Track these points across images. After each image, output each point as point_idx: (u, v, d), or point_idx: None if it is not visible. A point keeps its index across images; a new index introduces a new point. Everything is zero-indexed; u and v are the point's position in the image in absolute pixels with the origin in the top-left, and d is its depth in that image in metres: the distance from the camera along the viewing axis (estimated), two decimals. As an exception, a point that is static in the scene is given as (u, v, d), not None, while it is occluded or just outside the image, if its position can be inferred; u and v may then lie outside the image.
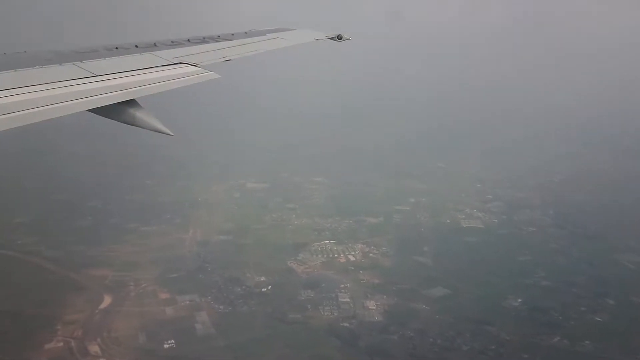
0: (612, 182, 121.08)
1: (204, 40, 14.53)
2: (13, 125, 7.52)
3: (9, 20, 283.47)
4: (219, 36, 15.38)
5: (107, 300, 67.76)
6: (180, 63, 11.69)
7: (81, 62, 10.54)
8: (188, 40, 14.23)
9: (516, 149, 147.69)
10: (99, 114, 9.33)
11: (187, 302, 68.55)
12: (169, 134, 9.41)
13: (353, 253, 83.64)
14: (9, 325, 61.28)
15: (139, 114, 9.39)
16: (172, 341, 60.37)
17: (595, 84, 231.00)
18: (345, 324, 64.78)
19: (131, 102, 9.46)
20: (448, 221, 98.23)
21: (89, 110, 8.86)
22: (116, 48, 12.18)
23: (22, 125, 7.63)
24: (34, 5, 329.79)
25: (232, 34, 15.95)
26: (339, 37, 18.16)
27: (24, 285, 70.21)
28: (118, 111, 9.35)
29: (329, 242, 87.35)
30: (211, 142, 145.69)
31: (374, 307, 68.29)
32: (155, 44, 13.10)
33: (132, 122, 9.43)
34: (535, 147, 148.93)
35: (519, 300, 70.68)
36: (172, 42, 13.72)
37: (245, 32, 16.67)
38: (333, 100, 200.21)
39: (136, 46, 12.64)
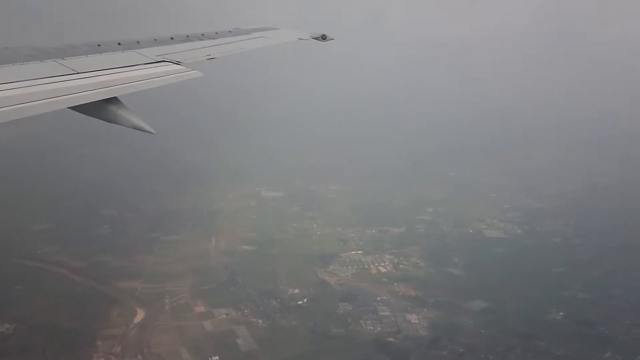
0: (625, 191, 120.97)
1: (187, 39, 14.51)
2: None
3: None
4: (202, 35, 15.31)
5: (140, 314, 65.20)
6: (163, 61, 11.62)
7: (63, 59, 10.31)
8: (171, 38, 14.12)
9: (524, 157, 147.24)
10: (80, 112, 9.12)
11: (224, 316, 66.29)
12: (151, 132, 9.17)
13: (383, 264, 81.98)
14: (46, 340, 58.67)
15: (121, 112, 9.24)
16: (217, 357, 58.13)
17: (607, 90, 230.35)
18: (391, 339, 62.95)
19: (113, 100, 9.30)
20: (471, 231, 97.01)
21: (70, 107, 8.69)
22: (99, 45, 12.02)
23: (3, 122, 7.34)
24: (15, 1, 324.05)
25: (217, 33, 15.94)
26: (323, 37, 17.90)
27: (54, 298, 67.43)
28: (100, 109, 9.20)
29: (357, 253, 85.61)
30: (210, 145, 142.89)
31: (417, 321, 66.60)
32: (138, 42, 12.93)
33: (114, 120, 9.27)
34: (543, 155, 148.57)
35: (561, 313, 69.46)
36: (155, 40, 13.60)
37: (230, 31, 16.68)
38: (330, 104, 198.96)
39: (119, 44, 12.47)
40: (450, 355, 60.23)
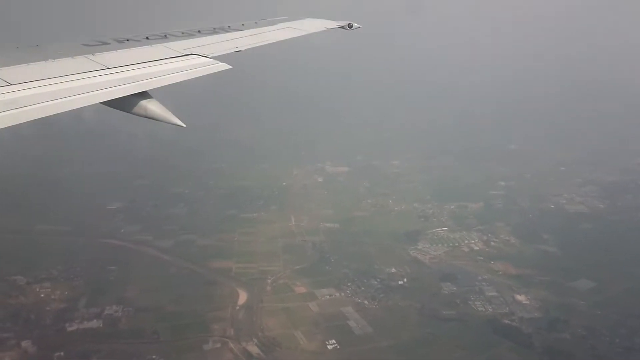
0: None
1: (214, 31, 14.45)
2: (28, 119, 7.26)
3: (19, 14, 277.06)
4: (229, 27, 15.27)
5: (243, 295, 63.16)
6: (191, 54, 11.60)
7: (93, 54, 10.35)
8: (198, 31, 14.07)
9: (582, 129, 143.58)
10: (111, 107, 9.11)
11: (328, 297, 64.12)
12: (181, 126, 9.05)
13: (473, 241, 79.53)
14: (155, 324, 56.78)
15: (150, 106, 9.19)
16: (334, 341, 55.84)
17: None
18: (507, 321, 60.35)
19: (143, 94, 9.25)
20: (552, 206, 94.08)
21: (101, 102, 8.66)
22: (127, 40, 12.01)
23: (36, 118, 7.30)
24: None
25: (243, 24, 15.78)
26: (349, 26, 17.74)
27: (152, 279, 65.69)
28: (130, 103, 9.15)
29: (442, 230, 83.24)
30: (262, 125, 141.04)
31: (528, 302, 63.95)
32: (165, 36, 12.90)
33: (145, 114, 9.21)
34: (602, 128, 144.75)
35: (675, 292, 66.57)
36: (182, 33, 13.57)
37: (256, 22, 16.49)
38: (382, 84, 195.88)
39: (147, 38, 12.43)
40: (573, 339, 57.53)
